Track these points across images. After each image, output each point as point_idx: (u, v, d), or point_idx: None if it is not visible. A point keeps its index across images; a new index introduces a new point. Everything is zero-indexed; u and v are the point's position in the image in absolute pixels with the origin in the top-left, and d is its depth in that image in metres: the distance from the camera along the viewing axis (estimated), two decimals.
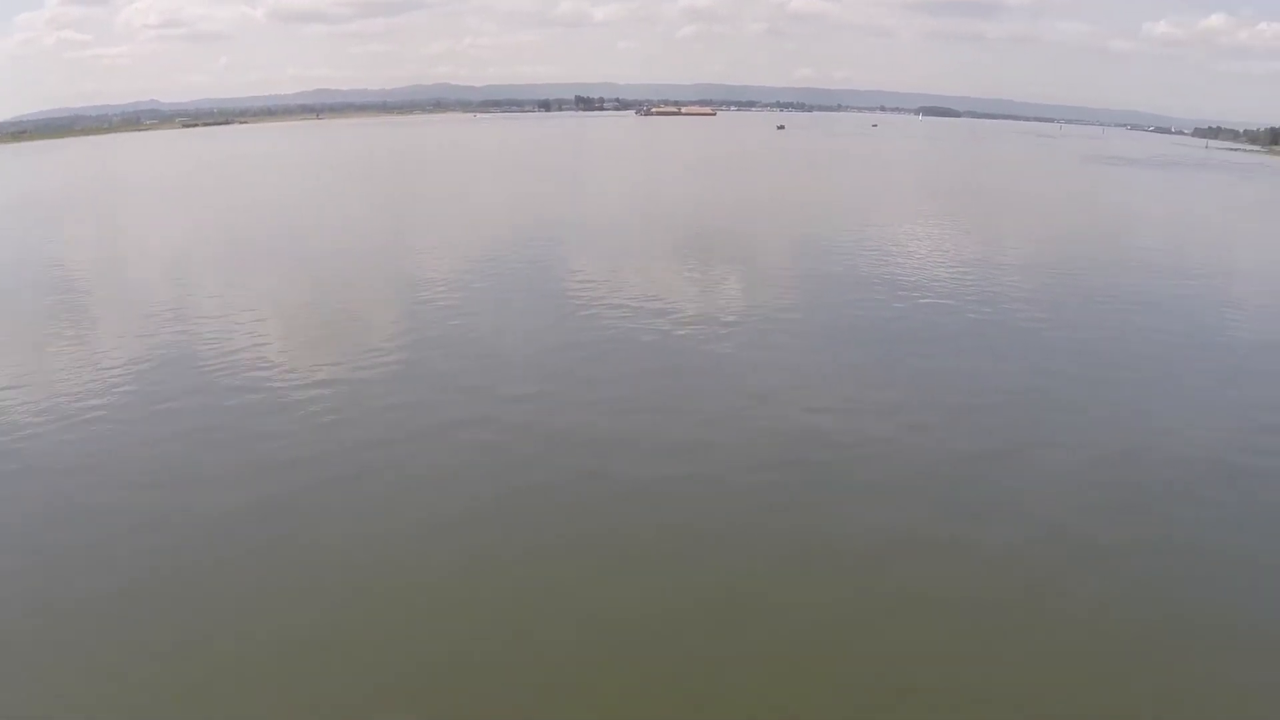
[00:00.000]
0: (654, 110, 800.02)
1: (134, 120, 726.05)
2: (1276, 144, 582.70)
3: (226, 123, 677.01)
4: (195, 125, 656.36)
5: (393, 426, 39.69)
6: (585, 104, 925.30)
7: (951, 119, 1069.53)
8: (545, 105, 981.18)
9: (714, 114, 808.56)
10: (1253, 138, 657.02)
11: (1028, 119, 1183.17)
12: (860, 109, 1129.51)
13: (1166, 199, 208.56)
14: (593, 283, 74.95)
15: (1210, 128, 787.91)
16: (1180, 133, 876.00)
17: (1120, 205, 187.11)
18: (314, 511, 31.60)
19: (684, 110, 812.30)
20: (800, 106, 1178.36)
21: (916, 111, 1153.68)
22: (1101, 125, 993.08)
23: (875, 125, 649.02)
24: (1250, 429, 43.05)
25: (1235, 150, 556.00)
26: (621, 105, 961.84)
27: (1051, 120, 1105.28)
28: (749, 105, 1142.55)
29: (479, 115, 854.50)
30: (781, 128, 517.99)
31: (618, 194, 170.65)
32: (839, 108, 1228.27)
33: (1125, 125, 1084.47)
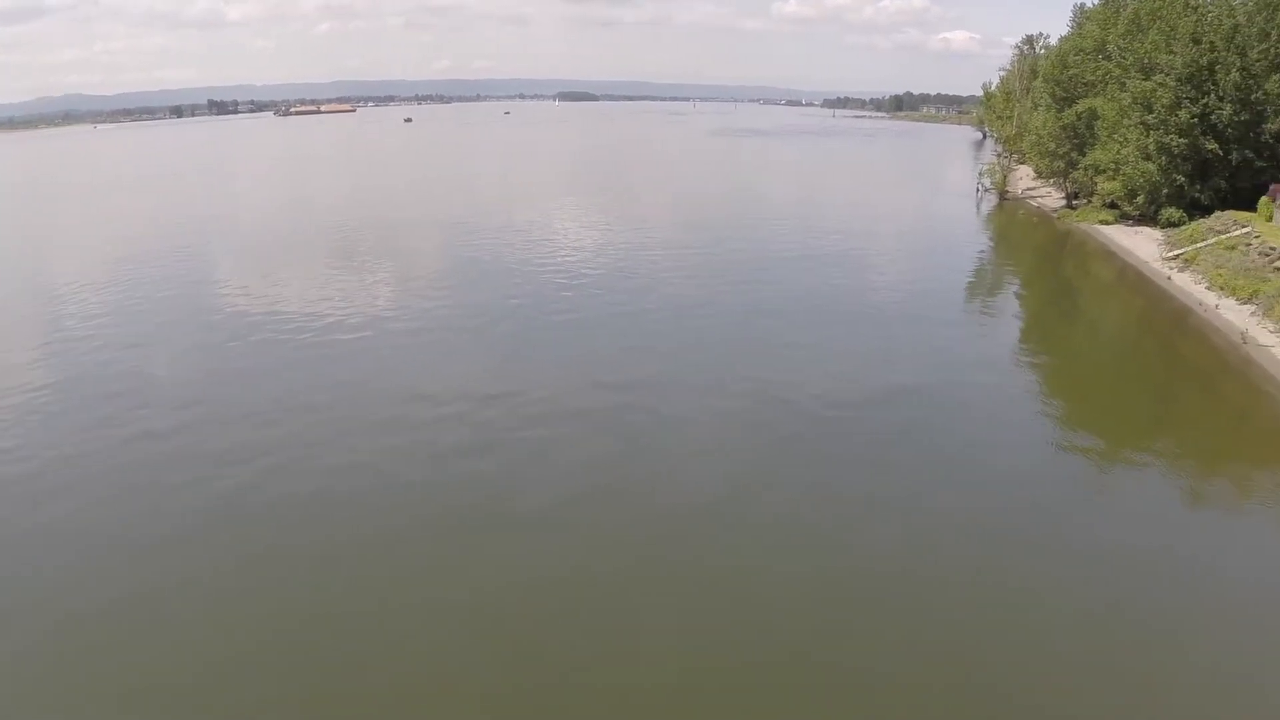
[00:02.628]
0: (293, 110, 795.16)
1: None
2: (900, 110, 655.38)
3: None
4: None
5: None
6: (219, 108, 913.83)
7: (589, 102, 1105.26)
8: (178, 111, 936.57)
9: (354, 110, 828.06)
10: (878, 105, 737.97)
11: (664, 99, 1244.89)
12: (500, 98, 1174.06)
13: (736, 163, 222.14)
14: (235, 293, 78.78)
15: (839, 98, 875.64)
16: (811, 104, 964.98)
17: (733, 172, 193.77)
18: None
19: (323, 109, 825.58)
20: (440, 98, 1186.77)
21: (554, 97, 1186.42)
22: (735, 101, 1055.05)
23: (508, 113, 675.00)
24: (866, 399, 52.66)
25: (861, 117, 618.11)
26: (257, 107, 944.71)
27: (687, 99, 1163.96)
28: (388, 100, 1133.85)
29: (99, 126, 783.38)
30: (409, 120, 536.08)
31: (248, 204, 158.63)
32: (478, 97, 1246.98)
33: (758, 100, 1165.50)
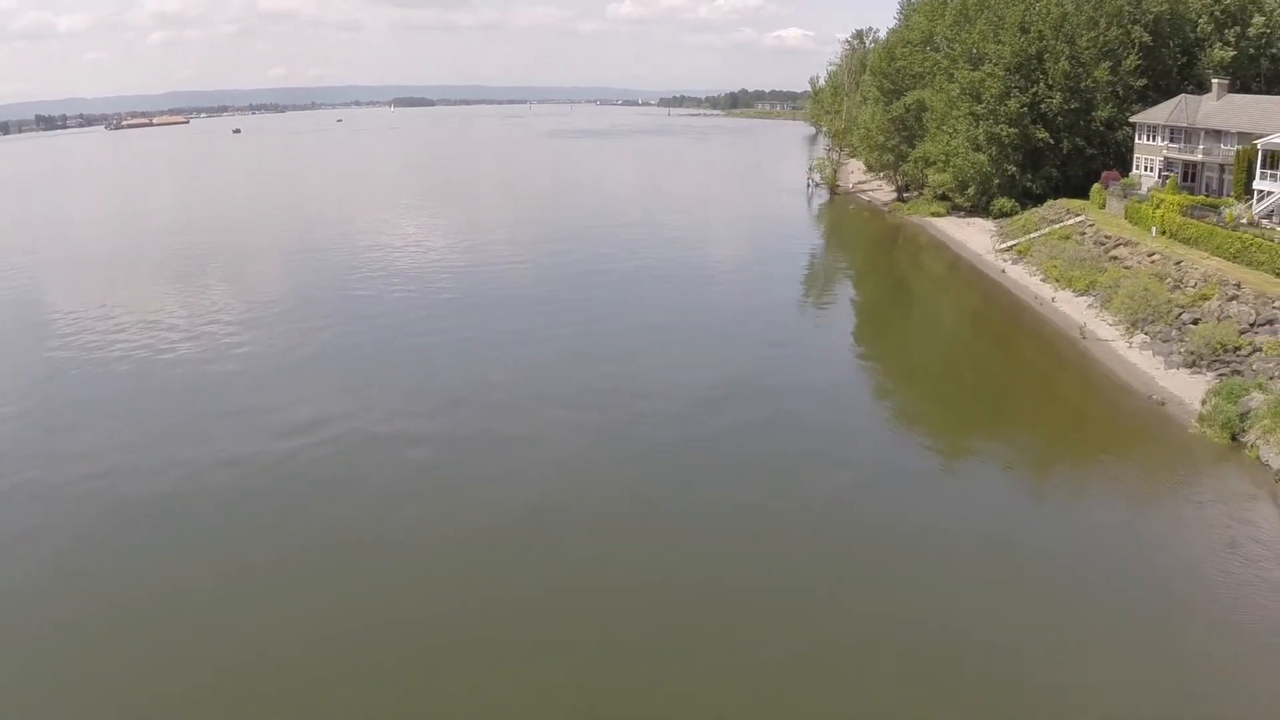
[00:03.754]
0: (124, 123, 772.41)
1: None
2: (735, 107, 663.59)
3: None
4: None
5: None
6: (47, 123, 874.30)
7: (425, 108, 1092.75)
8: (3, 128, 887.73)
9: (187, 122, 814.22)
10: (714, 103, 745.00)
11: (502, 101, 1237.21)
12: (335, 105, 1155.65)
13: (564, 167, 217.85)
14: (73, 313, 73.65)
15: (675, 97, 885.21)
16: (648, 104, 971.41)
17: (561, 177, 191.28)
18: None
19: (155, 121, 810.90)
20: (274, 108, 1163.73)
21: (390, 103, 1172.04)
22: (572, 102, 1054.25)
23: (339, 120, 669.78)
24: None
25: (696, 115, 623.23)
26: (87, 121, 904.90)
27: (524, 101, 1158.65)
28: (222, 110, 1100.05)
29: None
30: (237, 131, 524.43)
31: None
32: (313, 105, 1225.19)
33: (596, 101, 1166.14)
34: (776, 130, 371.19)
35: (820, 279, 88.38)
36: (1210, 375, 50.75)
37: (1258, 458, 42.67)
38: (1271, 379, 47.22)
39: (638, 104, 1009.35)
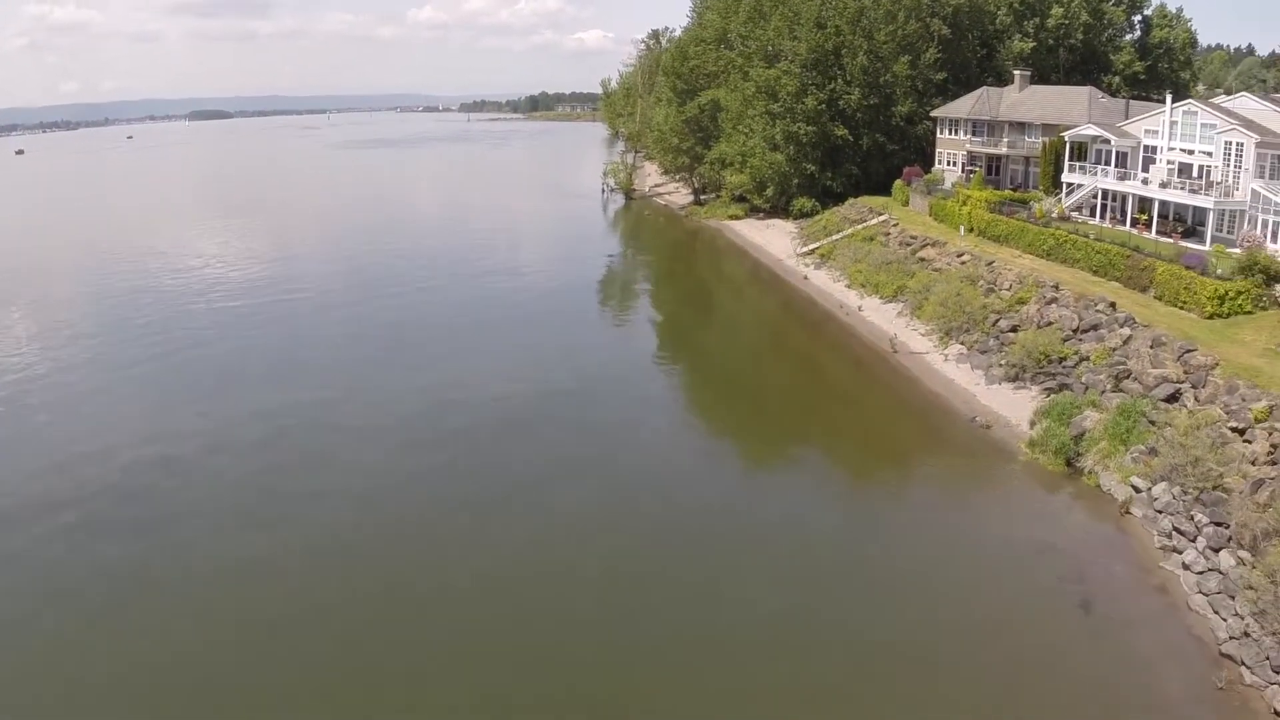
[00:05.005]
0: None
1: None
2: (535, 110, 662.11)
3: None
4: None
5: None
6: None
7: (222, 120, 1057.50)
8: None
9: None
10: (515, 107, 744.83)
11: (301, 112, 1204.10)
12: (130, 120, 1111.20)
13: (352, 181, 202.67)
14: None
15: (475, 102, 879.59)
16: (449, 109, 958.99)
17: (345, 192, 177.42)
18: None
19: None
20: (66, 125, 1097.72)
21: (186, 117, 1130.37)
22: (372, 110, 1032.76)
23: (130, 137, 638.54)
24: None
25: (497, 120, 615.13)
26: None
27: (324, 111, 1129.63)
28: (11, 130, 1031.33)
29: None
30: (20, 152, 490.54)
31: None
32: (106, 121, 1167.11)
33: (396, 108, 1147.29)
34: (576, 132, 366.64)
35: (614, 296, 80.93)
36: (1035, 389, 45.50)
37: (1098, 485, 37.54)
38: (1104, 393, 42.03)
39: (439, 110, 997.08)
